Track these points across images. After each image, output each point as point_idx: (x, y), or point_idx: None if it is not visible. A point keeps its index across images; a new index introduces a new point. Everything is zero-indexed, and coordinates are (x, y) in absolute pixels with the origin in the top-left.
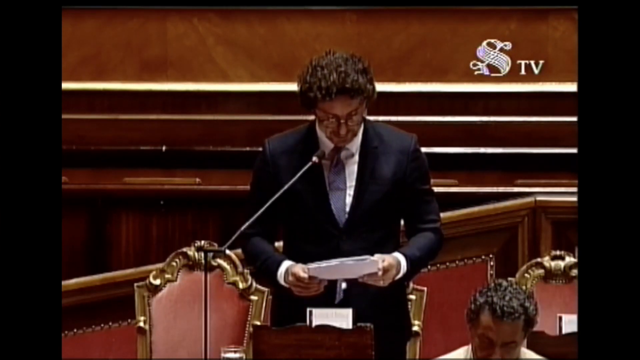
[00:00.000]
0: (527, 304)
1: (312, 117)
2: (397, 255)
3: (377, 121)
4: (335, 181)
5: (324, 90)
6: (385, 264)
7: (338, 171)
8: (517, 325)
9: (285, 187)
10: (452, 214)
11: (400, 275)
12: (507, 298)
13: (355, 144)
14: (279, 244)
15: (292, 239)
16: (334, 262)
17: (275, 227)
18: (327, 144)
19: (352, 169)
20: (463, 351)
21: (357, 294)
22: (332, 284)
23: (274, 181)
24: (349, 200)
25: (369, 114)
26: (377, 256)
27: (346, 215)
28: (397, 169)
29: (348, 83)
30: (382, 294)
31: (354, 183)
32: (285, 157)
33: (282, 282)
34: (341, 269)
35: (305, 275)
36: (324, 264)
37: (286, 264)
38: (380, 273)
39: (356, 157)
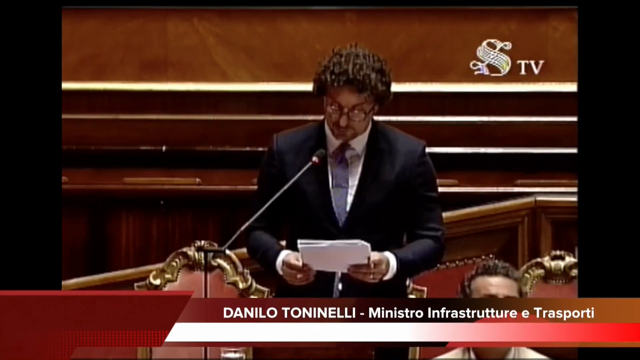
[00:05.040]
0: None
1: (310, 118)
2: (387, 254)
3: (387, 123)
4: (339, 179)
5: (333, 75)
6: (374, 257)
7: (342, 170)
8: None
9: (287, 185)
10: (452, 214)
11: (389, 275)
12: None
13: (361, 145)
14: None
15: (293, 235)
16: (325, 242)
17: (281, 222)
18: (333, 142)
19: (356, 169)
20: (460, 351)
21: (354, 295)
22: (329, 284)
23: (279, 176)
24: (350, 199)
25: None
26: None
27: (346, 214)
28: (401, 172)
29: (359, 75)
30: (380, 295)
31: (356, 182)
32: (292, 154)
33: (280, 271)
34: (331, 251)
35: (298, 263)
36: (315, 242)
37: (284, 253)
38: (368, 262)
39: (362, 158)
